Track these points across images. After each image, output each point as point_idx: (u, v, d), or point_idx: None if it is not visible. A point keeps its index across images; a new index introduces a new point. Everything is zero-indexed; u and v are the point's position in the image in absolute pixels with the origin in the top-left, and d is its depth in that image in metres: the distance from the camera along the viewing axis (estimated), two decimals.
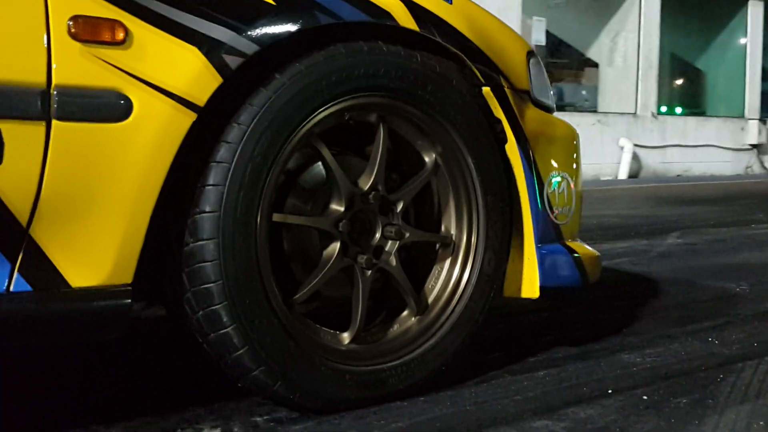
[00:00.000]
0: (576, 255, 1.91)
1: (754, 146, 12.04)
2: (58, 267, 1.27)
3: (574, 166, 1.98)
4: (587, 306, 2.55)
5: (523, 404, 1.62)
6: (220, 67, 1.36)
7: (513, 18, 9.37)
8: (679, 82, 12.77)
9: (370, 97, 1.56)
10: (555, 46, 11.29)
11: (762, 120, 12.18)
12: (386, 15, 1.56)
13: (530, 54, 1.90)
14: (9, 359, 1.82)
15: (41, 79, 1.21)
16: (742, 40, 12.32)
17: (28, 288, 1.25)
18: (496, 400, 1.64)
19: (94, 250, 1.29)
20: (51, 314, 1.29)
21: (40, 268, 1.26)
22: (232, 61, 1.37)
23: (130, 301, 1.33)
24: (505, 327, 2.27)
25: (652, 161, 10.82)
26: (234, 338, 1.42)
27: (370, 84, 1.54)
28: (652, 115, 10.90)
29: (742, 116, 12.17)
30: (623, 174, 10.32)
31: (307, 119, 1.48)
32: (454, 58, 1.69)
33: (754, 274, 3.12)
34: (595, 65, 11.38)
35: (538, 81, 1.91)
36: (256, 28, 1.40)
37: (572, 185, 1.94)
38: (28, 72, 1.21)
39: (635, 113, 10.78)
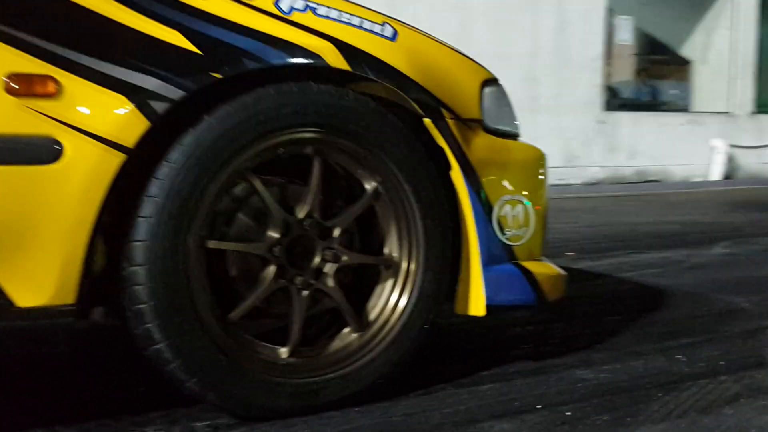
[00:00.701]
0: (530, 274, 1.99)
1: None
2: (4, 289, 1.48)
3: (535, 188, 2.06)
4: (579, 320, 2.61)
5: (448, 417, 1.73)
6: (146, 112, 1.53)
7: (597, 19, 9.25)
8: None
9: (302, 133, 1.71)
10: (646, 45, 11.05)
11: None
12: (315, 57, 1.71)
13: (486, 83, 1.99)
14: None
15: None
16: None
17: None
18: (426, 412, 1.76)
19: (37, 275, 1.50)
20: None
21: None
22: (159, 106, 1.55)
23: (73, 318, 1.54)
24: (480, 340, 2.37)
25: (748, 162, 10.43)
26: (166, 353, 1.59)
27: (300, 121, 1.69)
28: (749, 113, 10.51)
29: None
30: (715, 175, 10.00)
31: (236, 155, 1.64)
32: (391, 93, 1.82)
33: None
34: (688, 63, 11.07)
35: (496, 109, 2.00)
36: (181, 76, 1.57)
37: (529, 207, 2.02)
38: None
39: (730, 112, 10.42)
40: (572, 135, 8.82)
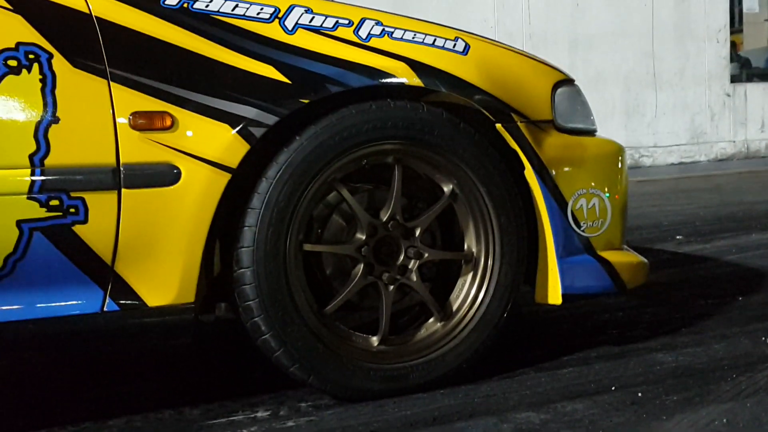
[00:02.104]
0: (608, 264, 2.12)
1: None
2: (137, 292, 1.77)
3: (612, 181, 2.18)
4: (670, 305, 2.69)
5: (525, 398, 1.89)
6: (246, 136, 1.78)
7: None
8: None
9: (381, 145, 1.92)
10: None
11: None
12: (391, 77, 1.91)
13: (559, 84, 2.13)
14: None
15: (112, 160, 1.71)
16: None
17: (117, 308, 1.77)
18: (505, 394, 1.93)
19: (163, 279, 1.78)
20: (134, 326, 1.80)
21: (125, 294, 1.76)
22: (257, 131, 1.79)
23: (193, 315, 1.81)
24: (568, 326, 2.50)
25: None
26: (272, 342, 1.84)
27: (379, 135, 1.90)
28: None
29: None
30: None
31: (324, 169, 1.87)
32: (463, 103, 1.99)
33: None
34: None
35: (568, 108, 2.14)
36: (274, 103, 1.81)
37: (607, 199, 2.14)
38: (102, 156, 1.71)
39: None
40: (698, 110, 8.59)
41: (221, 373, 2.23)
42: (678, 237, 3.97)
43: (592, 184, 2.12)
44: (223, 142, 1.78)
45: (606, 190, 2.14)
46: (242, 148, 1.79)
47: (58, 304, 1.72)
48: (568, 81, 2.17)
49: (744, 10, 9.13)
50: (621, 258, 2.16)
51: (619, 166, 2.23)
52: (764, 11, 10.10)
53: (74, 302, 1.73)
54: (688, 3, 8.47)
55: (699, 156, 8.60)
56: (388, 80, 1.91)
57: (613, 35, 8.11)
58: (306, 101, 1.84)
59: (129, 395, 2.08)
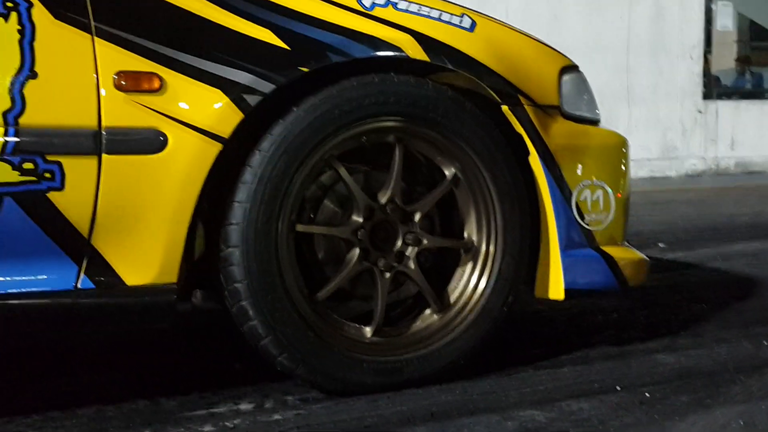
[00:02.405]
0: (611, 259, 2.02)
1: None
2: (115, 269, 1.62)
3: (616, 173, 2.09)
4: (664, 308, 2.60)
5: (526, 396, 1.79)
6: (240, 104, 1.65)
7: (695, 5, 9.00)
8: None
9: (383, 122, 1.79)
10: (748, 31, 10.68)
11: None
12: (396, 49, 1.79)
13: (565, 70, 2.04)
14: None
15: (93, 122, 1.57)
16: None
17: (92, 286, 1.62)
18: (505, 392, 1.82)
19: (143, 256, 1.63)
20: (110, 306, 1.65)
21: (101, 270, 1.61)
22: (252, 99, 1.66)
23: (175, 296, 1.67)
24: (563, 327, 2.40)
25: None
26: (259, 329, 1.71)
27: (381, 110, 1.78)
28: None
29: None
30: None
31: (322, 144, 1.74)
32: (469, 82, 1.88)
33: None
34: None
35: (575, 95, 2.04)
36: (271, 70, 1.68)
37: (611, 192, 2.04)
38: (82, 118, 1.56)
39: None
40: (670, 125, 8.62)
41: (201, 363, 2.09)
42: (660, 244, 3.90)
43: (597, 175, 2.02)
44: (215, 109, 1.64)
45: (610, 182, 2.05)
46: (235, 116, 1.65)
47: (26, 278, 1.57)
48: (574, 67, 2.08)
49: (718, 28, 9.20)
50: (623, 254, 2.06)
51: (624, 158, 2.14)
52: (734, 32, 10.23)
53: (45, 277, 1.58)
54: (664, 19, 8.51)
55: (669, 171, 8.63)
56: (393, 53, 1.79)
57: (588, 48, 8.09)
58: (305, 69, 1.71)
59: (100, 383, 1.93)
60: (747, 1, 10.15)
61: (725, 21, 9.51)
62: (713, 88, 9.28)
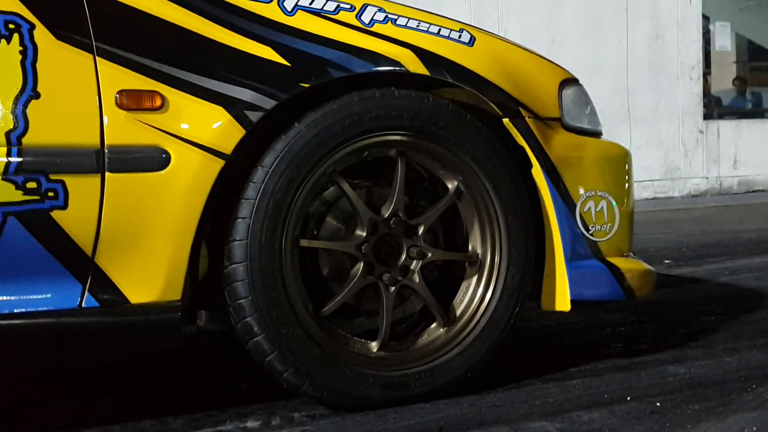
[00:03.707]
0: (617, 270, 2.01)
1: None
2: (119, 287, 1.62)
3: (619, 183, 2.08)
4: (672, 321, 2.59)
5: (536, 408, 1.77)
6: (242, 121, 1.65)
7: (693, 26, 9.05)
8: None
9: (385, 136, 1.79)
10: (746, 51, 10.73)
11: None
12: (396, 64, 1.80)
13: (566, 83, 2.04)
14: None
15: (96, 141, 1.57)
16: None
17: (96, 304, 1.61)
18: (514, 404, 1.80)
19: (147, 274, 1.62)
20: (115, 326, 1.64)
21: (105, 289, 1.61)
22: (253, 116, 1.66)
23: (179, 314, 1.66)
24: (571, 340, 2.38)
25: None
26: (264, 345, 1.69)
27: (383, 125, 1.78)
28: None
29: None
30: None
31: (324, 159, 1.74)
32: (471, 96, 1.88)
33: None
34: None
35: (575, 107, 2.04)
36: (272, 86, 1.69)
37: (614, 203, 2.04)
38: (85, 137, 1.56)
39: None
40: (672, 146, 8.63)
41: (207, 382, 2.07)
42: (666, 261, 3.89)
43: (601, 186, 2.01)
44: (217, 126, 1.64)
45: (614, 193, 2.05)
46: (237, 133, 1.65)
47: (31, 298, 1.56)
48: (574, 80, 2.08)
49: (716, 48, 9.25)
50: (629, 265, 2.05)
51: (627, 169, 2.13)
52: (732, 53, 10.28)
53: (49, 296, 1.57)
54: (663, 40, 8.55)
55: (672, 192, 8.62)
56: (393, 67, 1.79)
57: (588, 71, 8.11)
58: (306, 85, 1.71)
59: (106, 402, 1.91)
60: (744, 21, 10.22)
61: (723, 41, 9.57)
62: (714, 108, 9.31)
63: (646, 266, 2.12)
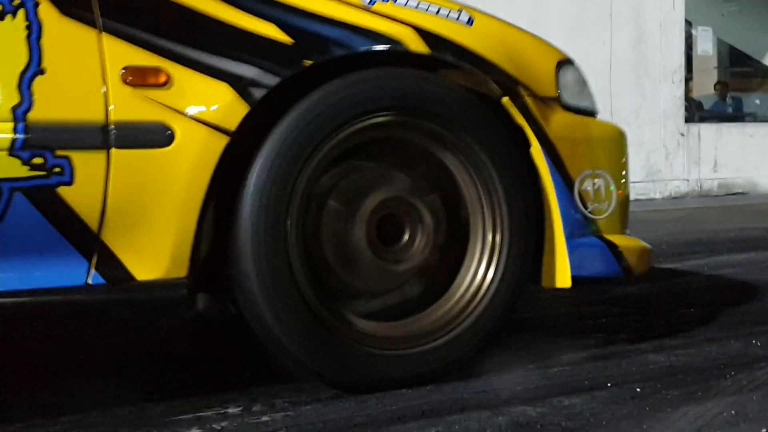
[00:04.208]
0: (615, 247, 2.02)
1: None
2: (125, 264, 1.61)
3: (616, 162, 2.10)
4: (653, 312, 2.60)
5: (518, 394, 1.77)
6: (246, 97, 1.66)
7: (676, 30, 9.12)
8: None
9: (386, 116, 1.80)
10: (728, 55, 10.83)
11: None
12: (397, 43, 1.81)
13: (562, 63, 2.06)
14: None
15: (101, 117, 1.57)
16: None
17: (103, 281, 1.60)
18: (495, 390, 1.80)
19: (153, 250, 1.62)
20: (121, 302, 1.64)
21: (111, 266, 1.60)
22: (257, 92, 1.67)
23: (185, 291, 1.66)
24: (552, 330, 2.39)
25: None
26: (271, 325, 1.70)
27: (384, 104, 1.79)
28: None
29: None
30: None
31: (328, 138, 1.74)
32: (470, 76, 1.90)
33: None
34: None
35: (572, 87, 2.07)
36: (276, 63, 1.70)
37: (612, 181, 2.05)
38: (90, 112, 1.57)
39: None
40: (653, 148, 8.68)
41: (186, 369, 2.06)
42: None
43: (598, 164, 2.03)
44: (222, 103, 1.65)
45: (611, 171, 2.06)
46: (241, 109, 1.66)
47: (38, 274, 1.56)
48: (570, 61, 2.11)
49: (698, 53, 9.32)
50: (627, 242, 2.06)
51: (623, 148, 2.16)
52: (714, 57, 10.38)
53: (56, 273, 1.57)
54: (646, 44, 8.61)
55: (653, 193, 8.67)
56: (395, 46, 1.81)
57: None
58: (309, 63, 1.73)
59: (85, 389, 1.89)
60: (726, 27, 10.31)
61: (705, 46, 9.65)
62: (695, 112, 9.38)
63: (643, 244, 2.14)
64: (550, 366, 1.98)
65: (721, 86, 10.30)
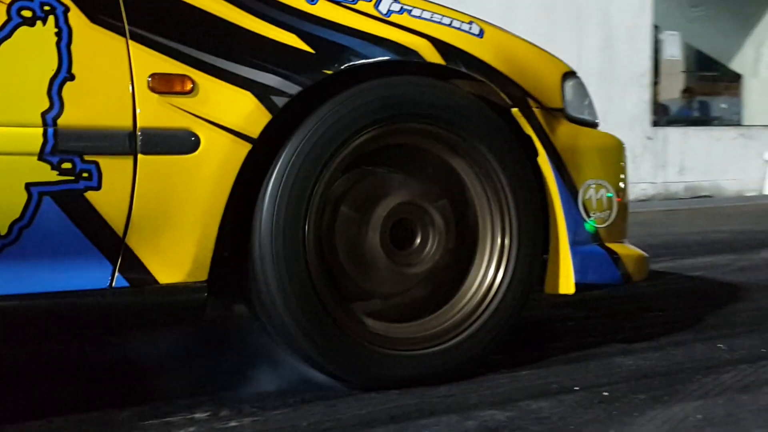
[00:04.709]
0: (616, 255, 2.06)
1: None
2: (148, 268, 1.62)
3: (617, 172, 2.15)
4: (619, 316, 2.62)
5: (486, 397, 1.78)
6: (269, 105, 1.68)
7: (643, 35, 9.22)
8: None
9: (401, 123, 1.84)
10: (695, 60, 10.98)
11: None
12: (413, 53, 1.84)
13: (567, 75, 2.11)
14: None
15: (129, 123, 1.57)
16: None
17: (126, 284, 1.60)
18: (464, 394, 1.80)
19: (176, 254, 1.64)
20: (144, 305, 1.64)
21: (135, 269, 1.60)
22: (279, 101, 1.69)
23: (206, 294, 1.67)
24: (519, 334, 2.39)
25: None
26: (289, 326, 1.73)
27: (400, 112, 1.83)
28: None
29: None
30: None
31: (346, 143, 1.77)
32: (481, 86, 1.93)
33: None
34: (739, 77, 10.94)
35: (576, 99, 2.11)
36: (297, 72, 1.72)
37: (612, 191, 2.09)
38: (118, 119, 1.57)
39: None
40: None
41: (153, 374, 2.03)
42: None
43: (600, 174, 2.08)
44: (245, 110, 1.67)
45: (612, 181, 2.10)
46: (264, 117, 1.68)
47: (64, 277, 1.57)
48: (574, 73, 2.16)
49: (667, 56, 9.44)
50: (626, 250, 2.12)
51: (623, 159, 2.21)
52: (681, 61, 10.50)
53: (81, 277, 1.58)
54: (613, 48, 8.69)
55: None
56: (411, 56, 1.84)
57: None
58: (329, 72, 1.75)
59: (48, 395, 1.87)
60: (693, 31, 10.45)
61: (673, 50, 9.78)
62: (662, 115, 9.49)
63: (641, 252, 2.19)
64: (518, 369, 1.99)
65: (688, 90, 10.45)
